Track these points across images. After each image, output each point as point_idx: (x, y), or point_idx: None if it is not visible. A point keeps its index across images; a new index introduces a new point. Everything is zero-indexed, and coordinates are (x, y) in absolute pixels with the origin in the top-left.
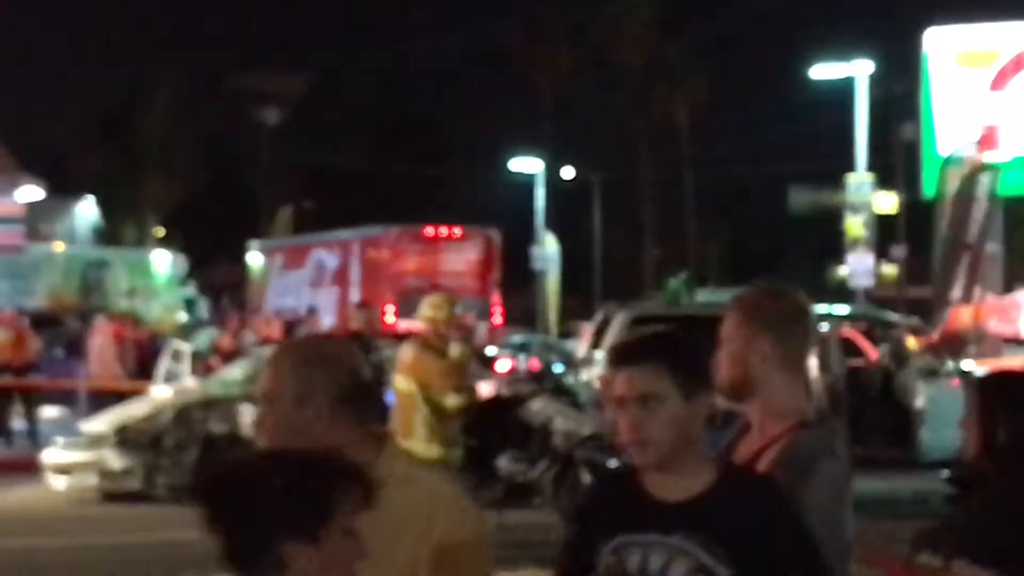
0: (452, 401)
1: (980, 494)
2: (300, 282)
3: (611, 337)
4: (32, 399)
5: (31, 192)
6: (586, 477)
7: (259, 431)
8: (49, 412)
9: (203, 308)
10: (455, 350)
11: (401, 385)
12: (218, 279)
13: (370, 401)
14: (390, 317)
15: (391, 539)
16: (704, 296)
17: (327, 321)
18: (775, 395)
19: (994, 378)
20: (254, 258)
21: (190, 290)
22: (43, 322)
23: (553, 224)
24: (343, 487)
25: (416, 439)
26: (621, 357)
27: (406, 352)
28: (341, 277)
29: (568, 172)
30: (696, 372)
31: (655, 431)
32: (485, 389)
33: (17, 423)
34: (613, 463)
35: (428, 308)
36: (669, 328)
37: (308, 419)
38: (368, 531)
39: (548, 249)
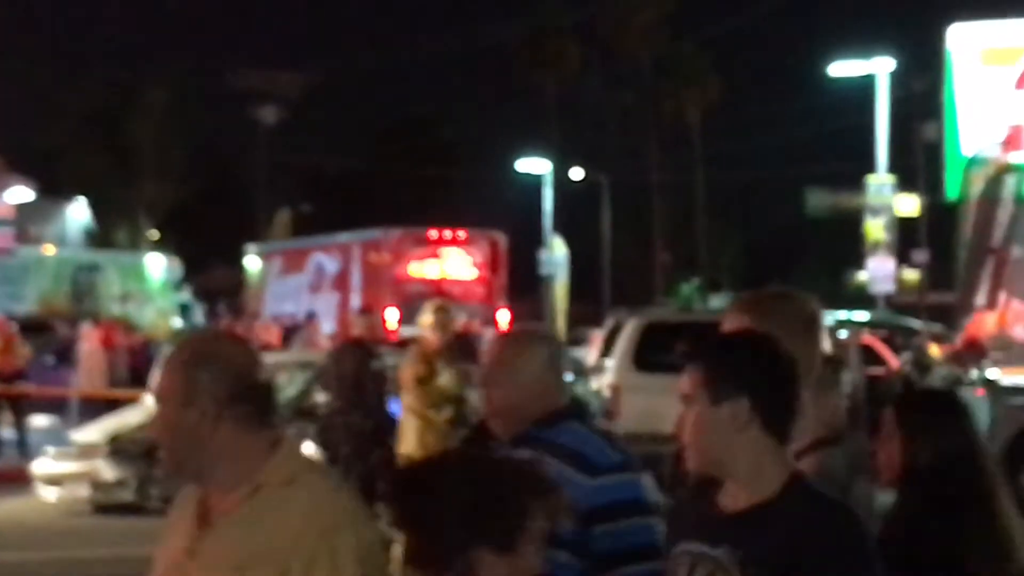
0: (435, 415)
1: (897, 516)
2: (299, 287)
3: (622, 345)
4: (21, 408)
5: (20, 193)
6: None
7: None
8: (39, 421)
9: (198, 314)
10: (445, 379)
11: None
12: (214, 284)
13: (261, 403)
14: (392, 323)
15: (266, 544)
16: (718, 302)
17: (327, 327)
18: None
19: (912, 398)
20: (251, 262)
21: (185, 295)
22: (33, 328)
23: (561, 227)
24: (537, 498)
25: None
26: (686, 354)
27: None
28: (341, 282)
29: (576, 173)
30: (727, 375)
31: (690, 434)
32: None
33: (6, 432)
34: None
35: (428, 315)
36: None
37: (194, 419)
38: (244, 535)
39: (556, 253)
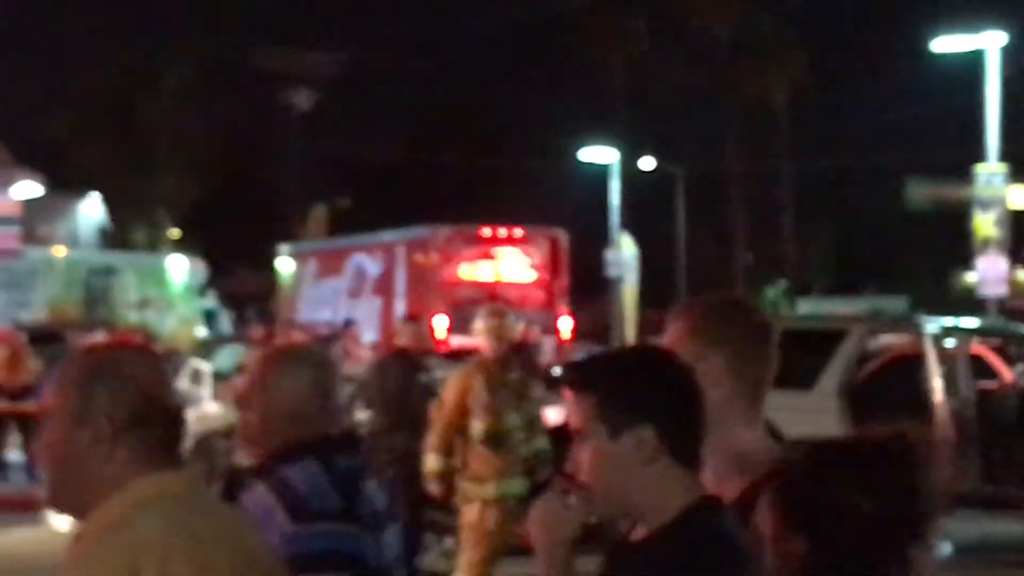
0: (477, 427)
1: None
2: (337, 291)
3: None
4: (30, 428)
5: (28, 189)
6: None
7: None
8: None
9: (225, 321)
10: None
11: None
12: (241, 288)
13: (167, 430)
14: (441, 332)
15: None
16: (806, 307)
17: (368, 336)
18: (732, 430)
19: (796, 450)
20: (283, 264)
21: (210, 301)
22: (42, 338)
23: (629, 224)
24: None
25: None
26: (563, 378)
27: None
28: (384, 285)
29: (646, 163)
30: (624, 402)
31: (589, 475)
32: (552, 415)
33: (13, 455)
34: None
35: (482, 321)
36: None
37: (85, 442)
38: None
39: (624, 253)
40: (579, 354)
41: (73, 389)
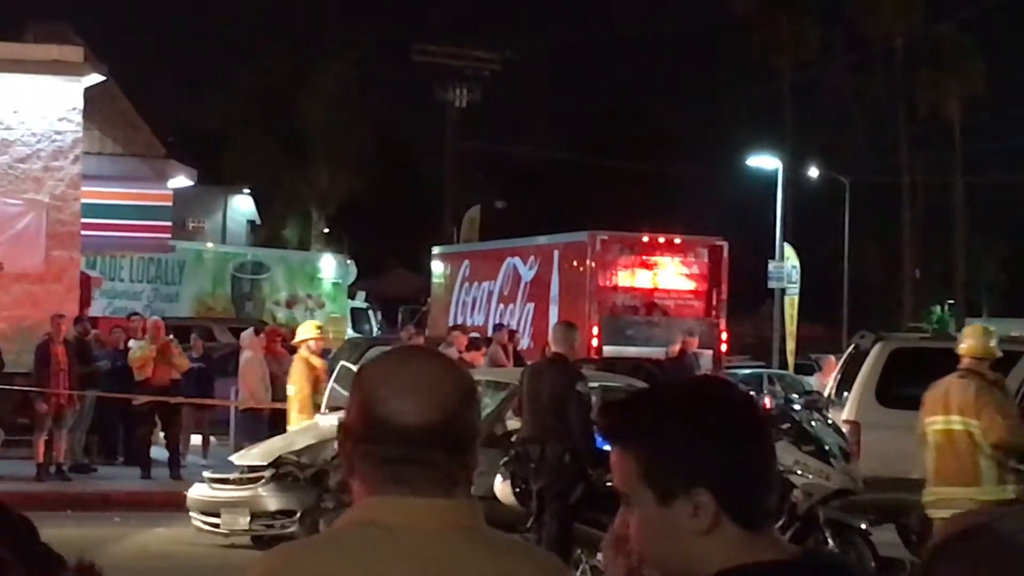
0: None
1: None
2: (489, 295)
3: (864, 375)
4: (175, 425)
5: (179, 181)
6: (831, 541)
7: None
8: (194, 440)
9: (374, 321)
10: None
11: (956, 425)
12: (391, 288)
13: (390, 445)
14: (596, 340)
15: None
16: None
17: (520, 342)
18: None
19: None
20: (436, 266)
21: (359, 300)
22: (188, 333)
23: (793, 234)
24: None
25: (985, 484)
26: (601, 425)
27: (961, 388)
28: (538, 290)
29: (813, 172)
30: (676, 463)
31: (640, 544)
32: None
33: (157, 452)
34: (864, 524)
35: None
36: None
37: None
38: None
39: (787, 264)
40: (618, 394)
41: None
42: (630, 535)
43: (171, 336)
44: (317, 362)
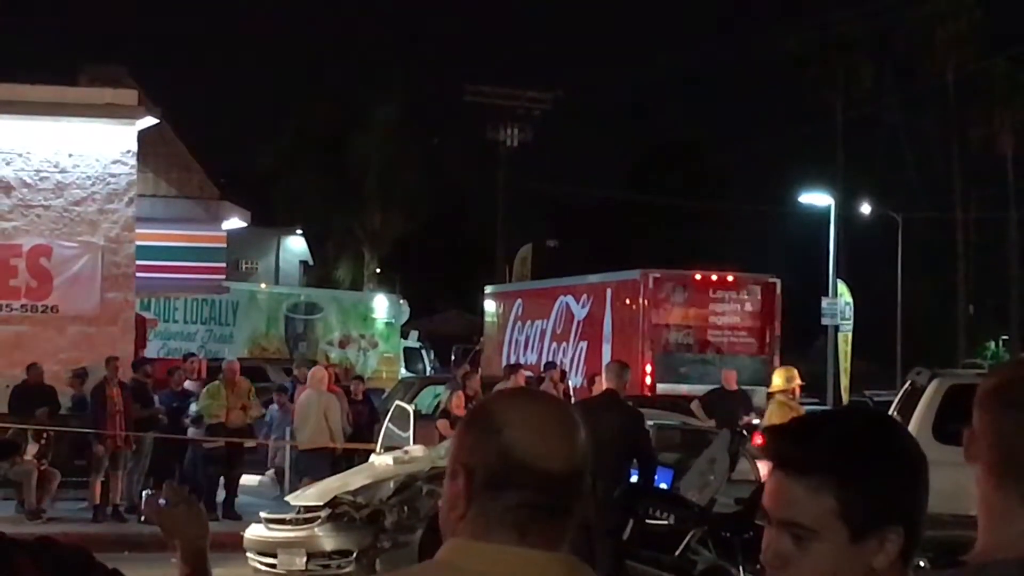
0: None
1: None
2: (541, 333)
3: (920, 411)
4: (236, 465)
5: (233, 222)
6: None
7: None
8: (248, 480)
9: (427, 360)
10: None
11: None
12: (443, 327)
13: (524, 492)
14: (649, 379)
15: None
16: None
17: (572, 381)
18: None
19: None
20: (489, 304)
21: (412, 339)
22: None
23: (846, 271)
24: None
25: None
26: (778, 452)
27: None
28: (590, 329)
29: (865, 209)
30: (880, 497)
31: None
32: (763, 470)
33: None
34: (923, 563)
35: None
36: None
37: (448, 495)
38: None
39: (841, 301)
40: (672, 432)
41: (456, 435)
42: (786, 567)
43: (248, 384)
44: None
